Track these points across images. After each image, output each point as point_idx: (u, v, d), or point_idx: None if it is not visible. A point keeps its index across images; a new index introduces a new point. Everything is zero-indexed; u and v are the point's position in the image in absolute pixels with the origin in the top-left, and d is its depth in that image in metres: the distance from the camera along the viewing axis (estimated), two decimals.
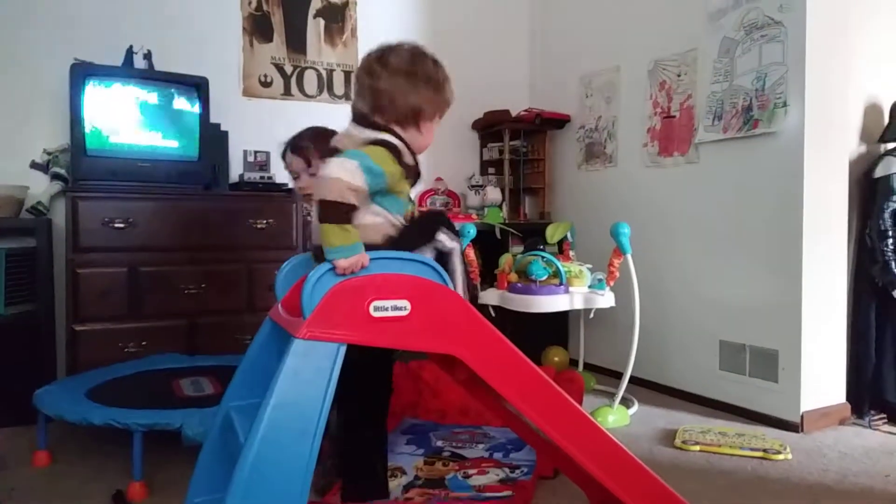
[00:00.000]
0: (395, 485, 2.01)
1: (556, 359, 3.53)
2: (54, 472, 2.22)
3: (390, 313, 1.30)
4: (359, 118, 1.57)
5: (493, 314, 2.95)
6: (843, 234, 2.79)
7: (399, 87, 1.55)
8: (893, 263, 2.76)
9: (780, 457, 2.35)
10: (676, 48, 3.22)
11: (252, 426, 1.20)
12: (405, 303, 1.31)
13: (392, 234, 1.52)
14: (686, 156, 3.18)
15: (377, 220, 1.50)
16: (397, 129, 1.55)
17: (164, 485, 2.04)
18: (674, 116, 3.25)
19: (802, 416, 2.66)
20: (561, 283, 2.90)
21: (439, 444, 2.36)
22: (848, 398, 2.81)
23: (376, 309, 1.28)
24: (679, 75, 3.21)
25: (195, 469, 1.53)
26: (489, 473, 2.08)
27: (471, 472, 2.09)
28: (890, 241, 2.77)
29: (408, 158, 1.53)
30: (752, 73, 2.83)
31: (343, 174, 1.34)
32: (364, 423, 1.74)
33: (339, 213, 1.33)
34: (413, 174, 1.57)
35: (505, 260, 3.21)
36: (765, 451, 2.38)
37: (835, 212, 2.76)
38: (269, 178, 3.19)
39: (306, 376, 1.23)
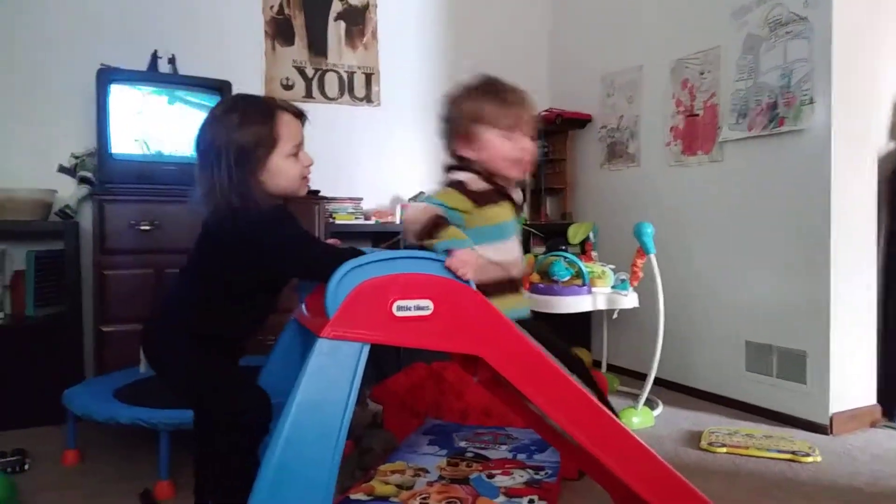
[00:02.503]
0: (419, 483, 2.01)
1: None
2: (83, 470, 2.26)
3: (413, 313, 1.29)
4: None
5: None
6: (871, 233, 2.74)
7: (456, 101, 1.58)
8: None
9: (810, 459, 2.31)
10: (699, 46, 3.19)
11: (277, 425, 1.21)
12: (428, 303, 1.31)
13: (497, 275, 1.53)
14: (710, 154, 3.14)
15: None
16: (466, 153, 1.55)
17: (191, 483, 2.06)
18: (697, 115, 3.21)
19: (831, 418, 2.61)
20: (584, 284, 2.89)
21: (462, 444, 2.35)
22: (879, 400, 2.76)
23: (399, 308, 1.28)
24: (702, 73, 3.18)
25: None
26: (513, 475, 2.07)
27: (495, 472, 2.08)
28: None
29: (476, 185, 1.53)
30: (777, 70, 2.79)
31: (417, 212, 1.42)
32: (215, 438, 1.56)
33: (427, 229, 1.38)
34: (495, 197, 1.56)
35: (526, 260, 3.19)
36: (793, 453, 2.34)
37: (863, 210, 2.71)
38: None
39: (331, 375, 1.23)
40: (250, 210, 1.44)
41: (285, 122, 1.50)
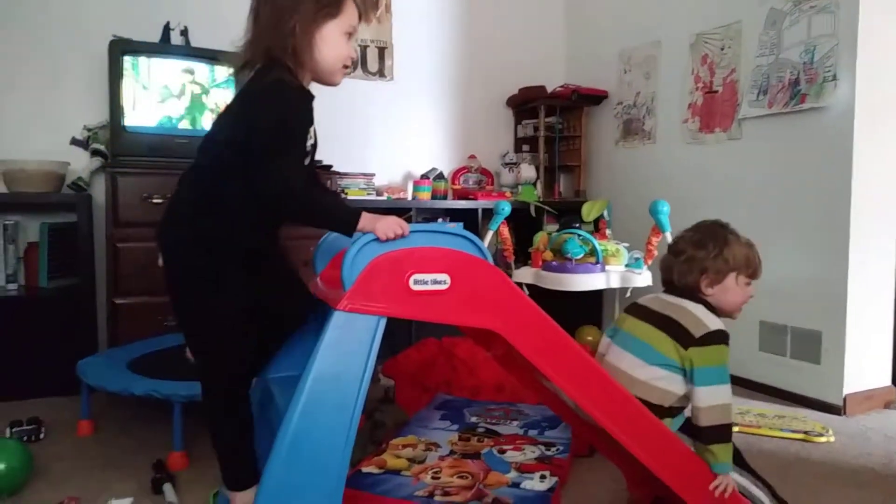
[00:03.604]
0: (431, 457, 2.01)
1: (590, 338, 3.49)
2: (97, 440, 2.28)
3: (430, 287, 1.29)
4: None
5: (527, 292, 2.92)
6: (892, 213, 2.69)
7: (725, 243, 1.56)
8: None
9: (823, 439, 2.30)
10: (720, 20, 3.12)
11: (293, 397, 1.20)
12: (445, 276, 1.29)
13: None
14: (728, 132, 3.09)
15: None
16: (707, 290, 1.55)
17: (204, 455, 2.07)
18: (716, 91, 3.16)
19: (845, 399, 2.60)
20: (597, 262, 2.86)
21: (473, 419, 2.36)
22: (893, 381, 2.74)
23: (416, 282, 1.27)
24: (722, 48, 3.12)
25: None
26: (524, 451, 2.07)
27: (506, 447, 2.09)
28: None
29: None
30: (800, 46, 2.73)
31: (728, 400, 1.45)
32: (210, 396, 1.54)
33: (729, 433, 1.45)
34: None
35: (539, 238, 3.17)
36: (806, 433, 2.33)
37: (884, 189, 2.66)
38: None
39: (347, 348, 1.23)
40: (277, 76, 1.41)
41: (350, 4, 1.51)
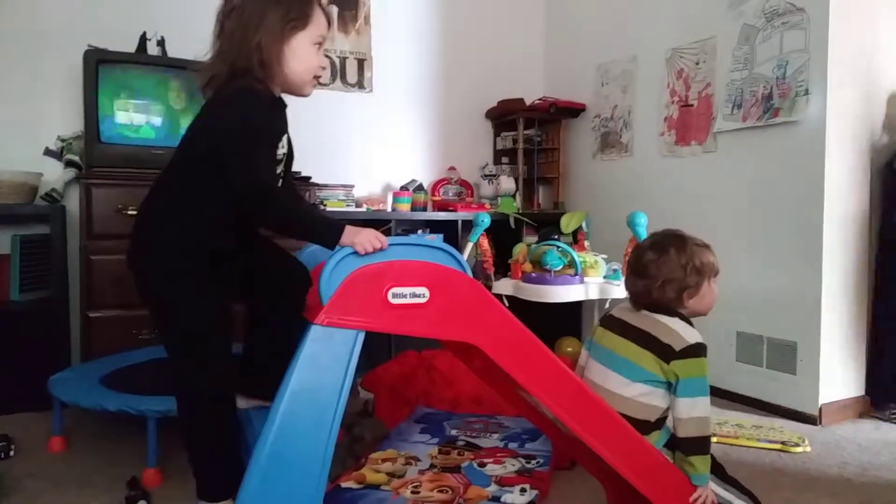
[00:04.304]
0: (410, 471, 2.00)
1: (570, 349, 3.50)
2: (69, 457, 2.23)
3: (409, 300, 1.28)
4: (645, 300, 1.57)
5: (507, 304, 2.93)
6: (864, 226, 2.74)
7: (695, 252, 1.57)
8: None
9: (799, 449, 2.32)
10: (695, 36, 3.17)
11: (269, 412, 1.19)
12: (423, 290, 1.29)
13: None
14: (704, 145, 3.13)
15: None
16: (687, 303, 1.57)
17: (179, 471, 2.03)
18: (691, 105, 3.20)
19: (821, 409, 2.63)
20: (576, 274, 2.88)
21: (453, 433, 2.34)
22: (867, 391, 2.78)
23: (394, 296, 1.27)
24: (697, 63, 3.16)
25: None
26: (505, 463, 2.06)
27: (486, 460, 2.08)
28: None
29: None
30: (772, 61, 2.78)
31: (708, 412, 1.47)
32: (191, 400, 1.52)
33: (707, 444, 1.47)
34: None
35: (519, 249, 3.18)
36: (783, 443, 2.35)
37: (856, 202, 2.71)
38: None
39: (324, 363, 1.22)
40: (245, 84, 1.41)
41: (318, 13, 1.51)
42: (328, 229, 1.34)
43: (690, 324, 1.53)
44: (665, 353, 1.47)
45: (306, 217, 1.46)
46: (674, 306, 1.55)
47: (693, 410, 1.45)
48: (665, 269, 1.54)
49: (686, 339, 1.47)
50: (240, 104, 1.39)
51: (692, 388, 1.46)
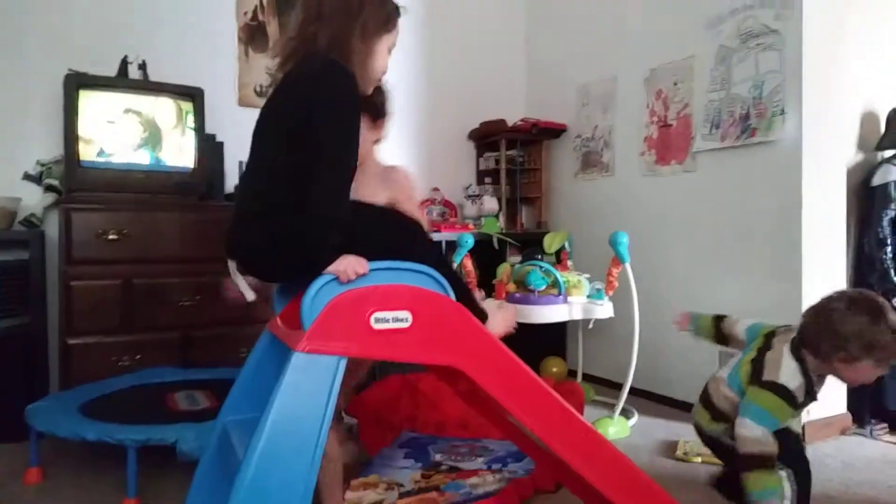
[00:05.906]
0: (390, 496, 1.98)
1: (555, 369, 3.51)
2: (46, 489, 2.18)
3: (391, 325, 1.27)
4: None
5: None
6: (841, 243, 2.78)
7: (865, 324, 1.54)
8: (892, 272, 2.75)
9: None
10: (673, 56, 3.22)
11: (251, 441, 1.17)
12: (406, 314, 1.29)
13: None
14: (683, 164, 3.17)
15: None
16: (839, 369, 1.60)
17: (160, 502, 2.00)
18: (671, 125, 3.24)
19: (804, 427, 2.64)
20: (560, 294, 2.88)
21: (438, 457, 2.32)
22: (849, 408, 2.80)
23: (377, 321, 1.26)
24: (676, 84, 3.21)
25: (191, 486, 1.50)
26: (484, 478, 2.06)
27: (467, 479, 2.07)
28: (888, 249, 2.76)
29: (800, 395, 1.61)
30: (749, 82, 2.83)
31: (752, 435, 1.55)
32: None
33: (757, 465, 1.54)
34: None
35: (503, 270, 3.19)
36: None
37: (833, 220, 2.75)
38: None
39: (306, 390, 1.20)
40: (335, 59, 1.38)
41: (397, 21, 1.57)
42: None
43: (804, 373, 1.58)
44: (755, 375, 1.60)
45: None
46: (813, 354, 1.58)
47: (741, 428, 1.56)
48: (836, 323, 1.54)
49: (777, 377, 1.57)
50: (341, 77, 1.36)
51: (752, 410, 1.57)
